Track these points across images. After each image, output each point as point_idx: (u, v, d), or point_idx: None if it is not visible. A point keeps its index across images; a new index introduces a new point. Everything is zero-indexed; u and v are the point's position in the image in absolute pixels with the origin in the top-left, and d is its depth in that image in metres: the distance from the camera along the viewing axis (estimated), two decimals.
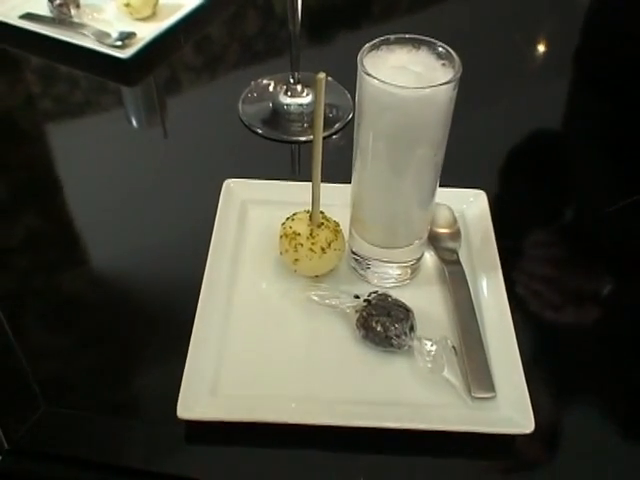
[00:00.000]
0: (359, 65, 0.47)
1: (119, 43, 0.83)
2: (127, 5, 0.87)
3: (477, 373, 0.50)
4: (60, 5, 0.88)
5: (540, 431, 0.47)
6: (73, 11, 0.88)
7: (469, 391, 0.49)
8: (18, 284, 0.60)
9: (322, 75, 0.47)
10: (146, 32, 0.85)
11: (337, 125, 0.75)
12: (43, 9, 0.89)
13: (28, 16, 0.87)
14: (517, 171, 0.73)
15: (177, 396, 0.48)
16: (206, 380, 0.50)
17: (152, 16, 0.89)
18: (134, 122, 0.80)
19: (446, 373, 0.50)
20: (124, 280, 0.61)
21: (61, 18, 0.87)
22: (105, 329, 0.56)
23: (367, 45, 0.48)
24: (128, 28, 0.86)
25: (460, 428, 0.47)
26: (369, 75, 0.46)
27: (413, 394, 0.50)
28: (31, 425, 0.49)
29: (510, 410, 0.48)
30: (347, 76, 0.49)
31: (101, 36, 0.84)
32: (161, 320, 0.56)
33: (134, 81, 0.84)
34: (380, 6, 1.02)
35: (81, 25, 0.86)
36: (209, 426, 0.48)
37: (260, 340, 0.53)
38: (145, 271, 0.61)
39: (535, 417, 0.47)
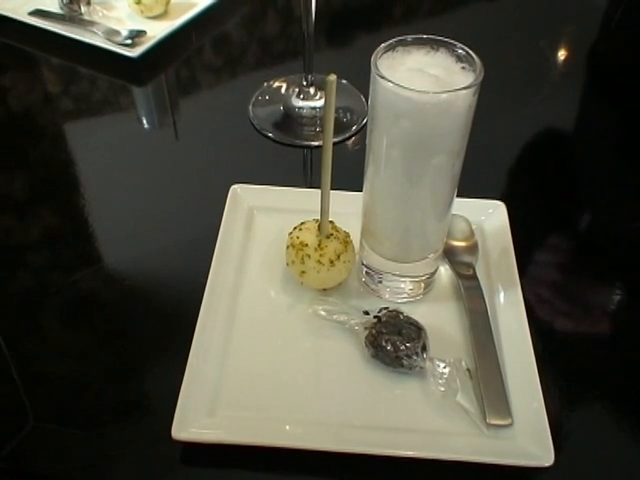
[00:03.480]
0: (372, 67, 0.43)
1: (129, 42, 0.81)
2: (138, 3, 0.85)
3: (493, 398, 0.47)
4: (71, 2, 0.86)
5: (560, 465, 0.43)
6: (83, 8, 0.87)
7: (484, 418, 0.46)
8: None
9: (333, 77, 0.44)
10: (157, 31, 0.83)
11: (351, 130, 0.72)
12: (53, 5, 0.87)
13: (38, 12, 0.86)
14: (539, 182, 0.70)
15: (174, 414, 0.45)
16: (204, 399, 0.47)
17: (164, 14, 0.87)
18: (142, 122, 0.78)
19: (460, 398, 0.47)
20: (124, 286, 0.58)
21: (71, 15, 0.86)
22: (100, 340, 0.54)
23: (382, 45, 0.45)
24: (139, 26, 0.84)
25: (473, 458, 0.44)
26: (383, 78, 0.43)
27: (423, 420, 0.47)
28: (18, 442, 0.46)
29: (528, 440, 0.45)
30: (365, 79, 0.46)
31: (111, 34, 0.82)
32: (161, 330, 0.54)
33: (143, 81, 0.82)
34: (401, 8, 1.00)
35: (91, 23, 0.85)
36: (206, 448, 0.46)
37: (263, 357, 0.51)
38: (146, 277, 0.59)
39: (555, 449, 0.44)
